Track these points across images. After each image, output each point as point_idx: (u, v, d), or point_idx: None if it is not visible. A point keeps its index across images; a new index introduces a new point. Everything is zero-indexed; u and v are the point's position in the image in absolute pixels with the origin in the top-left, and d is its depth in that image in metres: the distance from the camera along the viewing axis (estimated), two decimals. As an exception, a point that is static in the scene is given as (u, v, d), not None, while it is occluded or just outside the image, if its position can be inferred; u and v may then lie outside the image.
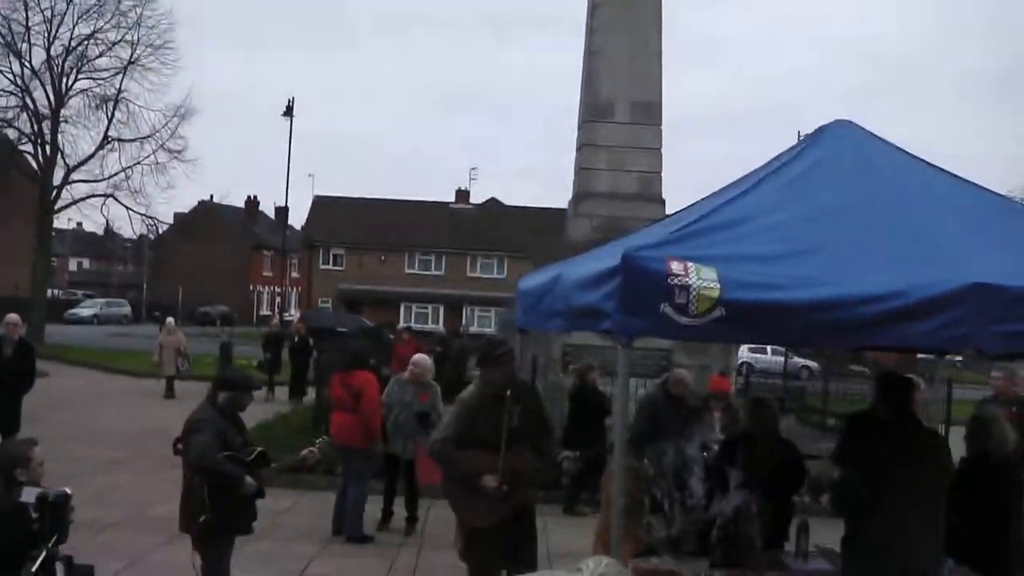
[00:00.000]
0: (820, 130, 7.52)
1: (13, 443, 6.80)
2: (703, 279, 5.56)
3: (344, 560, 11.59)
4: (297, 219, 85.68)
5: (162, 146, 43.05)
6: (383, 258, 72.55)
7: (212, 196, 78.26)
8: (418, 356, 13.43)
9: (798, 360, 44.22)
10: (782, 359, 42.60)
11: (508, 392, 7.85)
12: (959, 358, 28.77)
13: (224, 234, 77.91)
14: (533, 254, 22.66)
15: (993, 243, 6.54)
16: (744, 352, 39.24)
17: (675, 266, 5.57)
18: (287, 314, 64.90)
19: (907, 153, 7.62)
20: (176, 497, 14.20)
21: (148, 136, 42.90)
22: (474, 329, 61.68)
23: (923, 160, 7.61)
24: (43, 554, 5.89)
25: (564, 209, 68.70)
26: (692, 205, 8.15)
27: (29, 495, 5.96)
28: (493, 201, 79.95)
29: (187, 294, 72.48)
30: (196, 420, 7.90)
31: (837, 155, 7.17)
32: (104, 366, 35.36)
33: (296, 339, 28.43)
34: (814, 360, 44.43)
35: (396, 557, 11.81)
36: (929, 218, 6.67)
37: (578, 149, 21.21)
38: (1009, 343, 6.11)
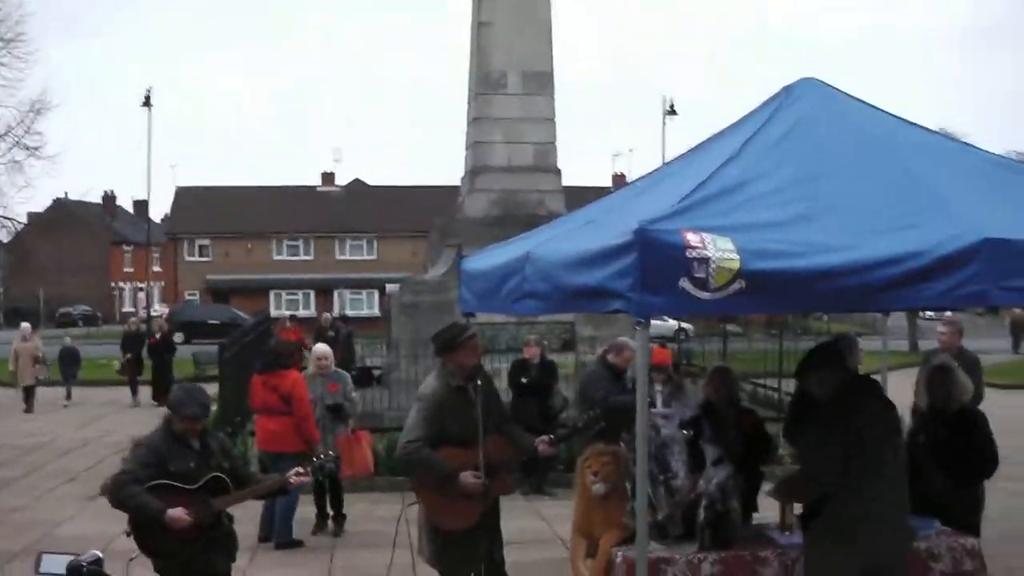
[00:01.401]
0: (787, 89, 7.22)
1: None
2: (721, 250, 5.21)
3: (279, 569, 10.93)
4: (157, 212, 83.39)
5: (18, 143, 40.95)
6: (250, 246, 70.66)
7: (67, 193, 75.58)
8: (321, 347, 12.79)
9: (672, 323, 44.55)
10: (659, 322, 43.11)
11: (474, 379, 7.37)
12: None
13: (81, 231, 75.02)
14: (432, 232, 22.15)
15: (986, 196, 6.38)
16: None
17: (692, 238, 5.19)
18: (153, 309, 63.08)
19: (877, 108, 7.39)
20: (81, 515, 13.56)
21: (3, 134, 40.79)
22: (349, 312, 60.89)
23: (894, 115, 7.38)
24: None
25: (432, 186, 68.23)
26: (646, 177, 7.80)
27: (56, 565, 5.15)
28: (357, 182, 78.83)
29: (47, 295, 69.84)
30: (133, 445, 7.09)
31: (814, 114, 6.91)
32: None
33: (159, 336, 27.21)
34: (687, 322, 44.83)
35: (332, 560, 11.22)
36: (920, 173, 6.47)
37: (470, 123, 20.77)
38: (1020, 297, 5.94)
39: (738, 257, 5.19)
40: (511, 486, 7.97)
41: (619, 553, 6.99)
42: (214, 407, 11.10)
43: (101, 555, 4.95)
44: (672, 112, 60.91)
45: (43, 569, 5.07)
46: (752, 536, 7.28)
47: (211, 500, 6.79)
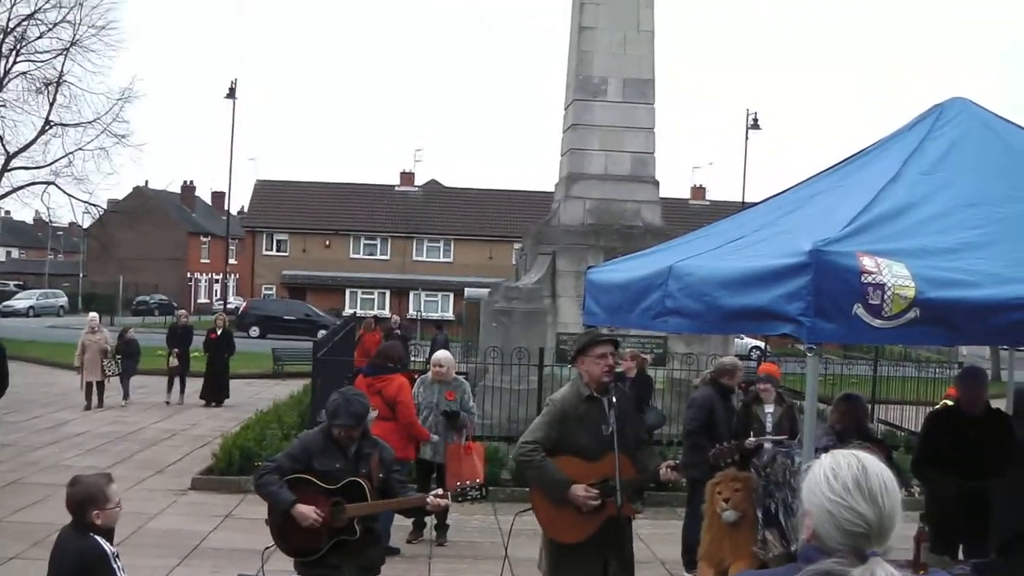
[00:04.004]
0: (939, 108, 6.93)
1: (91, 479, 5.89)
2: (896, 276, 4.96)
3: None
4: (235, 204, 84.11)
5: (105, 130, 41.45)
6: (327, 243, 70.78)
7: (147, 182, 76.54)
8: (442, 353, 12.64)
9: (748, 341, 44.02)
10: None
11: (608, 393, 7.11)
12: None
13: (160, 220, 75.79)
14: (524, 238, 21.94)
15: None
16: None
17: (867, 262, 4.95)
18: (229, 302, 63.60)
19: (1031, 131, 7.07)
20: (171, 509, 13.54)
21: (92, 121, 41.28)
22: (423, 314, 60.97)
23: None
24: None
25: (508, 190, 68.08)
26: (787, 194, 7.49)
27: None
28: (434, 183, 78.87)
29: (126, 282, 70.60)
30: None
31: (969, 135, 6.65)
32: (51, 362, 33.77)
33: (220, 332, 25.18)
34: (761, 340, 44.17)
35: (430, 570, 11.07)
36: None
37: (566, 129, 20.53)
38: None
39: (913, 284, 4.94)
40: (629, 510, 7.35)
41: (747, 583, 6.75)
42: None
43: None
44: (755, 126, 60.25)
45: None
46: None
47: (346, 504, 6.71)
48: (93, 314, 26.25)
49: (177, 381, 24.86)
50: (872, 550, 2.54)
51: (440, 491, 7.32)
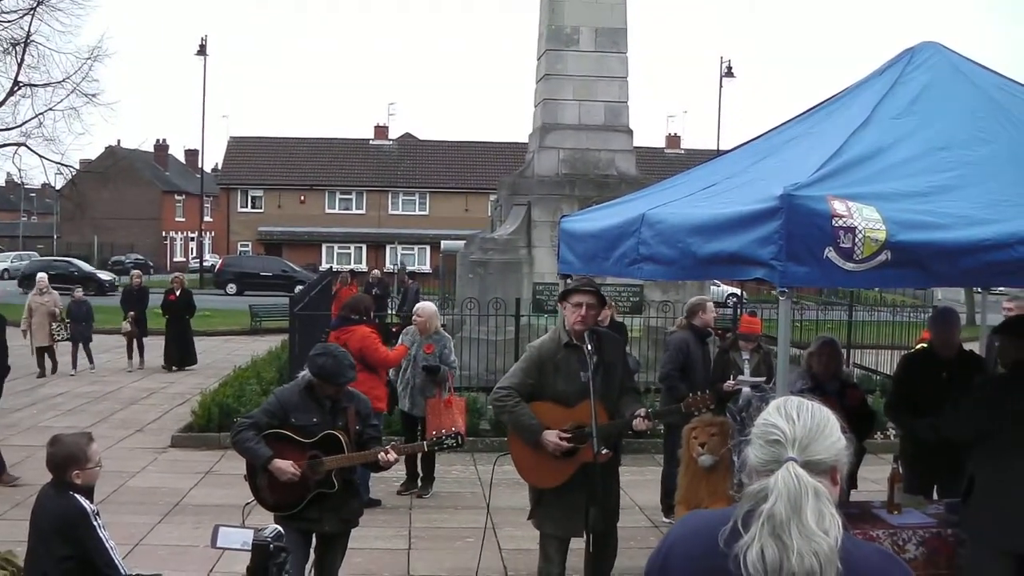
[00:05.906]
0: (910, 53, 6.96)
1: (71, 438, 5.89)
2: (867, 220, 4.97)
3: (359, 530, 10.83)
4: (208, 162, 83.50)
5: (75, 90, 40.90)
6: (302, 198, 70.57)
7: (119, 141, 75.85)
8: (422, 304, 12.55)
9: (725, 288, 44.14)
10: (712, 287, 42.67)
11: (587, 340, 7.07)
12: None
13: (134, 179, 75.30)
14: (500, 189, 21.85)
15: None
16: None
17: (838, 206, 4.97)
18: (206, 259, 63.36)
19: (1002, 75, 7.09)
20: (152, 467, 13.56)
21: (61, 81, 40.69)
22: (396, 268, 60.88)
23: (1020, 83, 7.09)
24: None
25: (482, 142, 67.64)
26: (760, 140, 7.49)
27: (235, 539, 4.85)
28: (408, 136, 78.52)
29: (101, 242, 70.22)
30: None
31: (939, 79, 6.65)
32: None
33: (178, 293, 23.73)
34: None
35: (411, 520, 11.12)
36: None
37: (540, 79, 20.43)
38: None
39: (884, 227, 4.97)
40: (605, 456, 7.04)
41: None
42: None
43: (281, 530, 4.73)
44: (730, 74, 60.17)
45: (220, 543, 4.84)
46: (858, 513, 7.07)
47: (323, 458, 6.74)
48: (42, 274, 25.20)
49: (136, 345, 23.61)
50: (790, 455, 2.64)
51: (390, 448, 7.22)
